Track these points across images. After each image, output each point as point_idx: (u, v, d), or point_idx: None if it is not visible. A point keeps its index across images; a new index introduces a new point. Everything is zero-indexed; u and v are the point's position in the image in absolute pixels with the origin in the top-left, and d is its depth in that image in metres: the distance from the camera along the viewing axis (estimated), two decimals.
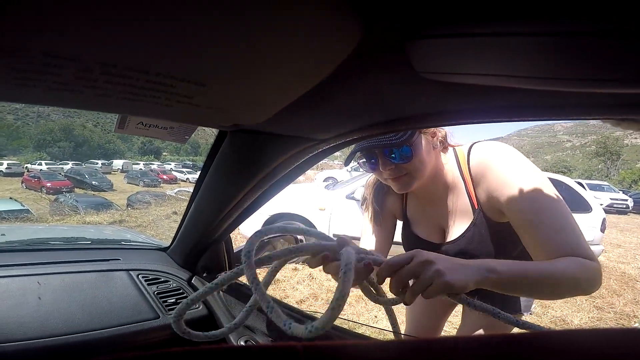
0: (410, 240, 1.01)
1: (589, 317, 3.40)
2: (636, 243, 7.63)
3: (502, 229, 0.83)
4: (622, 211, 15.63)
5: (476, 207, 0.86)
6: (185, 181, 34.95)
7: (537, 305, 3.44)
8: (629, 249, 6.80)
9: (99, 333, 0.79)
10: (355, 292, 3.46)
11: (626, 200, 16.27)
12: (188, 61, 0.28)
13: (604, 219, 4.00)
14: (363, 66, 0.33)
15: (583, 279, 0.63)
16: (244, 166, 0.66)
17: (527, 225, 0.71)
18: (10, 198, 13.35)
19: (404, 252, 1.06)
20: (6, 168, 32.20)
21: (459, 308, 1.25)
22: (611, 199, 15.91)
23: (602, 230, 3.98)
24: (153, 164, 55.79)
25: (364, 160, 0.87)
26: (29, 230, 1.97)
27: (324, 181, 5.25)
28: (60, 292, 0.82)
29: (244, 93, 0.37)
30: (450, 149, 0.92)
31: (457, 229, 0.91)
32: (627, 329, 0.16)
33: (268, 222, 4.00)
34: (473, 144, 0.88)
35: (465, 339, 0.15)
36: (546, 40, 0.22)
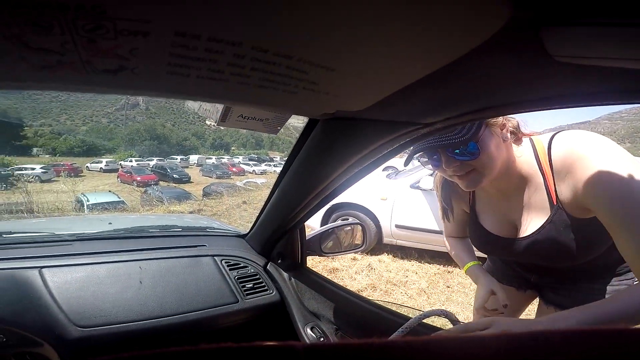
0: (479, 234, 0.96)
1: None
2: None
3: (585, 225, 0.76)
4: None
5: (554, 203, 0.78)
6: (252, 173, 36.97)
7: None
8: None
9: (187, 316, 0.86)
10: (417, 285, 3.38)
11: None
12: (329, 47, 0.29)
13: None
14: (488, 50, 0.31)
15: None
16: (334, 153, 0.65)
17: (621, 229, 0.63)
18: (110, 191, 15.46)
19: (472, 245, 1.06)
20: (105, 165, 37.12)
21: (532, 307, 1.17)
22: None
23: None
24: (223, 158, 59.97)
25: (430, 160, 0.81)
26: (129, 219, 2.27)
27: (383, 170, 5.10)
28: (158, 276, 0.90)
29: (364, 77, 0.36)
30: (526, 139, 0.83)
31: (532, 224, 0.84)
32: (627, 329, 0.15)
33: (329, 212, 4.04)
34: (555, 133, 0.79)
35: (465, 339, 0.15)
36: None
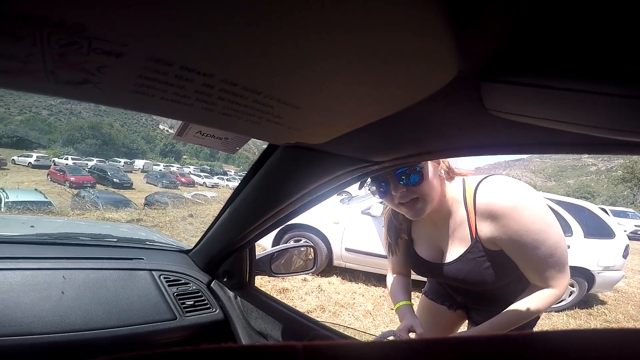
0: (414, 259, 1.07)
1: None
2: None
3: (496, 256, 0.91)
4: None
5: (474, 237, 0.92)
6: (202, 185, 35.51)
7: (549, 328, 3.32)
8: None
9: (116, 331, 0.80)
10: (363, 307, 3.43)
11: None
12: (297, 87, 0.31)
13: (627, 246, 3.88)
14: (436, 97, 0.35)
15: (544, 308, 0.88)
16: (290, 180, 0.67)
17: (522, 259, 0.87)
18: (36, 190, 13.85)
19: (410, 286, 1.15)
20: (35, 160, 33.48)
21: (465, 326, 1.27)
22: (636, 225, 15.51)
23: (625, 256, 3.84)
24: (173, 166, 57.04)
25: (374, 187, 0.90)
26: (55, 223, 2.04)
27: (338, 195, 5.23)
28: (84, 288, 0.83)
29: (323, 116, 0.39)
30: (460, 178, 0.96)
31: (454, 252, 0.97)
32: (627, 329, 0.15)
33: (281, 232, 4.01)
34: (483, 179, 0.92)
35: (466, 339, 0.15)
36: (623, 100, 0.23)
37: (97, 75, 0.26)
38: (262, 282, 3.58)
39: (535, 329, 1.15)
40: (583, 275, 3.61)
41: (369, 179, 0.89)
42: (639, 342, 0.15)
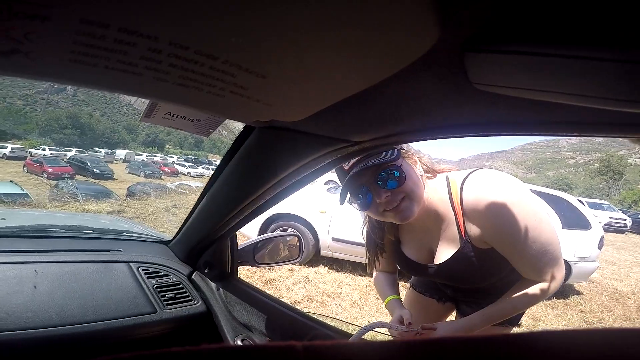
0: (401, 260, 1.04)
1: None
2: (631, 261, 7.67)
3: (486, 254, 0.89)
4: (620, 230, 15.75)
5: (463, 237, 0.89)
6: (187, 175, 35.02)
7: (527, 318, 3.46)
8: (624, 266, 6.85)
9: (93, 325, 0.78)
10: (350, 297, 3.47)
11: (625, 219, 16.42)
12: (258, 52, 0.28)
13: (602, 237, 4.03)
14: (416, 71, 0.33)
15: (538, 301, 0.87)
16: (268, 163, 0.65)
17: (515, 257, 0.84)
18: (11, 181, 13.35)
19: (397, 280, 1.14)
20: (10, 151, 32.32)
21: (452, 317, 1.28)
22: (610, 217, 16.08)
23: (600, 247, 4.00)
24: (156, 156, 55.99)
25: (358, 200, 0.85)
26: (30, 216, 1.96)
27: (325, 184, 5.26)
28: (58, 281, 0.81)
29: (297, 89, 0.36)
30: (443, 175, 0.92)
31: (444, 253, 0.93)
32: (627, 329, 0.15)
33: (268, 222, 3.99)
34: (468, 174, 0.88)
35: (466, 339, 0.15)
36: (605, 65, 0.22)
37: (25, 43, 0.23)
38: (249, 273, 3.57)
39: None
40: None
41: (348, 195, 0.87)
42: (634, 343, 0.15)
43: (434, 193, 0.89)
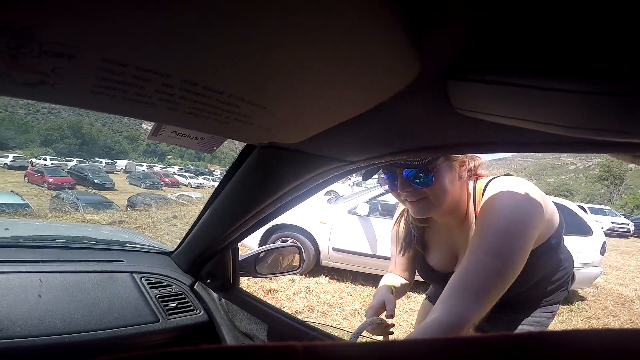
0: (426, 270, 1.01)
1: None
2: (635, 266, 7.56)
3: None
4: (623, 234, 15.59)
5: None
6: (187, 185, 34.95)
7: None
8: (628, 271, 6.75)
9: (97, 334, 0.79)
10: (351, 307, 3.44)
11: (627, 224, 16.22)
12: (261, 87, 0.30)
13: (604, 243, 4.01)
14: (404, 97, 0.35)
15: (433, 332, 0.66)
16: (268, 180, 0.68)
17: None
18: (12, 191, 13.34)
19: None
20: (11, 161, 32.28)
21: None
22: (612, 222, 15.86)
23: (602, 253, 3.98)
24: (156, 167, 55.97)
25: (385, 177, 0.84)
26: (32, 226, 1.97)
27: (325, 194, 5.26)
28: (62, 291, 0.82)
29: (294, 116, 0.39)
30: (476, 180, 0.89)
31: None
32: (627, 329, 0.15)
33: (268, 233, 3.99)
34: (490, 180, 0.84)
35: (467, 339, 0.15)
36: (583, 97, 0.24)
37: (52, 76, 0.26)
38: (249, 283, 3.55)
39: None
40: None
41: (381, 170, 0.83)
42: (634, 343, 0.15)
43: (465, 197, 0.87)
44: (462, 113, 0.34)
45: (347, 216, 3.93)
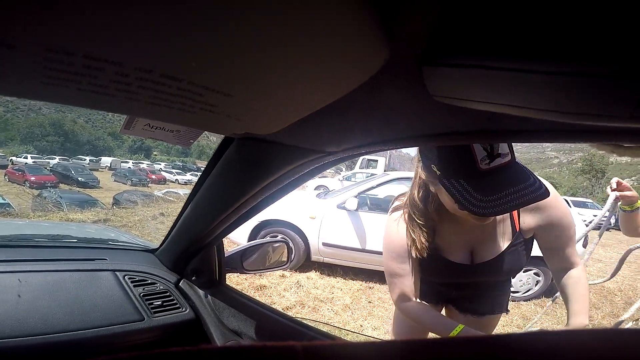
0: (441, 266, 0.99)
1: None
2: (616, 258, 7.72)
3: (529, 242, 0.98)
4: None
5: (517, 230, 0.94)
6: (174, 182, 34.51)
7: (517, 317, 3.51)
8: (609, 263, 6.98)
9: (79, 333, 0.77)
10: (342, 301, 3.46)
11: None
12: (222, 73, 0.29)
13: (586, 236, 4.10)
14: (379, 85, 0.34)
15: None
16: (248, 173, 0.66)
17: (558, 243, 0.95)
18: None
19: (426, 277, 1.06)
20: None
21: None
22: (594, 215, 16.29)
23: (584, 245, 4.08)
24: (142, 163, 55.01)
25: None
26: (12, 225, 1.91)
27: (315, 189, 5.25)
28: (42, 290, 0.80)
29: (265, 104, 0.37)
30: None
31: (494, 249, 0.96)
32: (627, 329, 0.16)
33: (257, 228, 3.96)
34: None
35: (466, 339, 0.15)
36: (557, 78, 0.23)
37: None
38: (239, 280, 3.54)
39: (506, 319, 1.21)
40: (547, 265, 3.76)
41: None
42: (634, 343, 0.15)
43: None
44: (440, 100, 0.33)
45: (337, 211, 3.94)
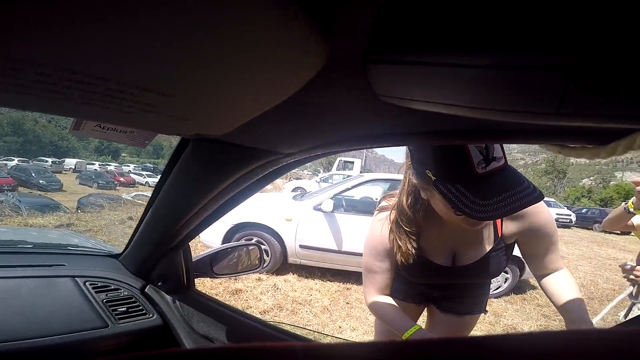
0: (422, 267, 0.99)
1: (537, 325, 3.64)
2: (578, 254, 8.27)
3: (509, 247, 0.99)
4: (566, 225, 16.97)
5: (499, 235, 0.95)
6: (145, 185, 33.28)
7: (490, 314, 3.63)
8: (572, 260, 7.36)
9: (38, 341, 0.74)
10: (320, 303, 3.45)
11: (570, 215, 17.69)
12: (152, 72, 0.27)
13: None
14: (327, 85, 0.34)
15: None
16: (205, 175, 0.64)
17: (543, 249, 0.96)
18: None
19: (407, 276, 1.09)
20: None
21: (422, 318, 1.31)
22: (557, 214, 17.07)
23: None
24: (110, 165, 52.68)
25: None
26: None
27: (292, 191, 5.23)
28: None
29: (208, 104, 0.36)
30: None
31: (475, 252, 0.97)
32: (627, 329, 0.16)
33: (232, 231, 3.89)
34: None
35: (464, 339, 0.15)
36: (484, 72, 0.23)
37: None
38: (213, 285, 3.45)
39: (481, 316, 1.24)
40: (514, 263, 3.86)
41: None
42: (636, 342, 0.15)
43: None
44: (384, 100, 0.32)
45: (313, 213, 3.93)
